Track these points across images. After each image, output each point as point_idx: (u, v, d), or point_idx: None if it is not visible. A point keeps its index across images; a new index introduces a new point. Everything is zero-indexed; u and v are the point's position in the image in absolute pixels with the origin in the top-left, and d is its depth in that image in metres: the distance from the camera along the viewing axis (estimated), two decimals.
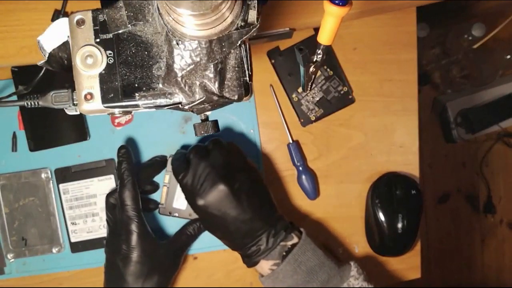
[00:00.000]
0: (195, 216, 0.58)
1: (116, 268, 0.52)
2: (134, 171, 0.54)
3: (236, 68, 0.37)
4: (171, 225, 0.60)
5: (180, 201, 0.59)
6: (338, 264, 0.52)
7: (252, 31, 0.35)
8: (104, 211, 0.57)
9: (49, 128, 0.58)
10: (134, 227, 0.52)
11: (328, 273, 0.50)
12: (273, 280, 0.50)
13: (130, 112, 0.42)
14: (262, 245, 0.50)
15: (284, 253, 0.50)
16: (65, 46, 0.41)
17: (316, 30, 0.52)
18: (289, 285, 0.49)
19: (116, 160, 0.59)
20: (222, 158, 0.51)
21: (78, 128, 0.58)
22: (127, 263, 0.52)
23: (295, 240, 0.51)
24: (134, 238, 0.51)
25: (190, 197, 0.50)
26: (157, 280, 0.53)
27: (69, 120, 0.58)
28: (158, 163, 0.58)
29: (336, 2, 0.36)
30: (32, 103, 0.42)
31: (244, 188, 0.50)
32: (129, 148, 0.55)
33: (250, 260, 0.51)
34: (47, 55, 0.41)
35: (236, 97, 0.38)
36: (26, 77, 0.57)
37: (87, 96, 0.38)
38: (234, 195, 0.49)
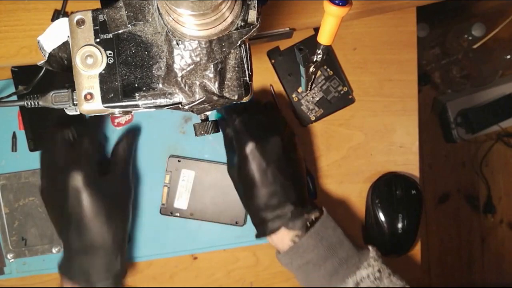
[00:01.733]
0: (196, 215, 0.59)
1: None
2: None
3: (236, 68, 0.37)
4: (173, 225, 0.60)
5: (181, 201, 0.59)
6: (357, 247, 0.51)
7: (252, 31, 0.35)
8: None
9: (50, 128, 0.58)
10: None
11: (347, 252, 0.50)
12: (291, 256, 0.50)
13: (130, 112, 0.42)
14: (288, 212, 0.49)
15: (308, 225, 0.50)
16: (65, 46, 0.41)
17: (316, 30, 0.52)
18: (307, 260, 0.49)
19: None
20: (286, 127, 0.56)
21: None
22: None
23: (318, 214, 0.51)
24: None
25: (244, 142, 0.50)
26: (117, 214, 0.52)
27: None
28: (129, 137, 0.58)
29: (336, 2, 0.36)
30: (32, 103, 0.42)
31: (295, 157, 0.53)
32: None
33: (269, 226, 0.50)
34: (47, 55, 0.41)
35: (236, 97, 0.38)
36: (26, 77, 0.57)
37: (87, 96, 0.38)
38: (286, 153, 0.51)
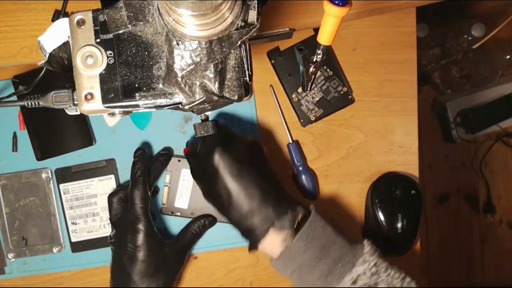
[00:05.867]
0: (197, 214, 0.59)
1: (122, 267, 0.53)
2: (147, 172, 0.54)
3: (236, 68, 0.37)
4: (173, 224, 0.60)
5: (181, 201, 0.59)
6: (350, 242, 0.50)
7: (252, 31, 0.35)
8: (105, 211, 0.57)
9: (55, 136, 0.58)
10: (141, 226, 0.52)
11: (340, 250, 0.48)
12: (283, 261, 0.49)
13: (130, 112, 0.42)
14: (272, 212, 0.48)
15: (296, 225, 0.49)
16: (65, 46, 0.41)
17: (316, 30, 0.52)
18: (300, 263, 0.48)
19: (116, 160, 0.59)
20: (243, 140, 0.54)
21: (84, 134, 0.58)
22: (133, 262, 0.52)
23: (304, 212, 0.50)
24: (141, 237, 0.52)
25: (211, 153, 0.49)
26: (163, 279, 0.54)
27: (74, 126, 0.58)
28: (163, 157, 0.58)
29: (336, 2, 0.36)
30: (33, 103, 0.42)
31: (262, 161, 0.54)
32: (146, 150, 0.56)
33: (257, 232, 0.48)
34: (47, 55, 0.41)
35: (236, 97, 0.38)
36: (26, 79, 0.57)
37: (88, 96, 0.38)
38: (255, 158, 0.51)
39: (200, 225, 0.57)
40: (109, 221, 0.58)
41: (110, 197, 0.55)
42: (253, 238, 0.49)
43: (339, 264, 0.48)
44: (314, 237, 0.48)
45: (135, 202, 0.52)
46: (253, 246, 0.50)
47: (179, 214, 0.59)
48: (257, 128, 0.60)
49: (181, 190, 0.59)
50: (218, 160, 0.49)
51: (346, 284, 0.47)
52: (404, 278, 0.48)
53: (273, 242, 0.49)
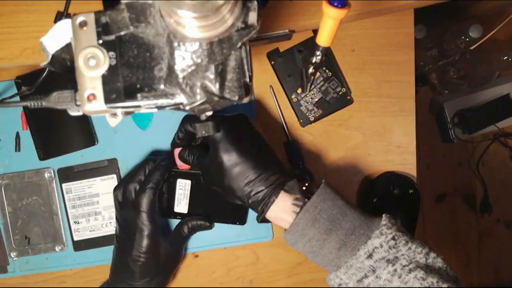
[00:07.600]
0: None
1: (126, 266, 0.54)
2: (160, 184, 0.54)
3: (237, 69, 0.38)
4: (174, 224, 0.61)
5: (180, 207, 0.59)
6: (365, 216, 0.47)
7: (252, 33, 0.36)
8: (107, 210, 0.58)
9: (57, 136, 0.59)
10: (147, 232, 0.52)
11: (353, 222, 0.45)
12: (293, 235, 0.47)
13: (132, 113, 0.42)
14: (281, 175, 0.47)
15: (304, 191, 0.48)
16: (68, 47, 0.41)
17: (315, 32, 0.52)
18: (310, 237, 0.46)
19: (118, 160, 0.59)
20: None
21: (86, 134, 0.59)
22: (136, 265, 0.53)
23: (311, 182, 0.49)
24: (146, 244, 0.52)
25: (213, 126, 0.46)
26: (161, 279, 0.55)
27: (76, 126, 0.59)
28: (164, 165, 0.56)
29: (335, 4, 0.37)
30: (35, 104, 0.43)
31: (255, 134, 0.52)
32: (171, 164, 0.56)
33: (268, 198, 0.47)
34: (50, 57, 0.41)
35: (236, 98, 0.38)
36: (29, 79, 0.57)
37: (90, 97, 0.39)
38: (250, 133, 0.51)
39: (194, 225, 0.58)
40: (111, 220, 0.59)
41: (116, 191, 0.55)
42: (262, 205, 0.47)
43: (352, 236, 0.45)
44: (322, 210, 0.46)
45: (142, 208, 0.52)
46: (262, 213, 0.48)
47: (179, 217, 0.59)
48: None
49: (179, 198, 0.59)
50: (218, 136, 0.48)
51: (361, 258, 0.44)
52: (428, 254, 0.44)
53: (284, 206, 0.47)
